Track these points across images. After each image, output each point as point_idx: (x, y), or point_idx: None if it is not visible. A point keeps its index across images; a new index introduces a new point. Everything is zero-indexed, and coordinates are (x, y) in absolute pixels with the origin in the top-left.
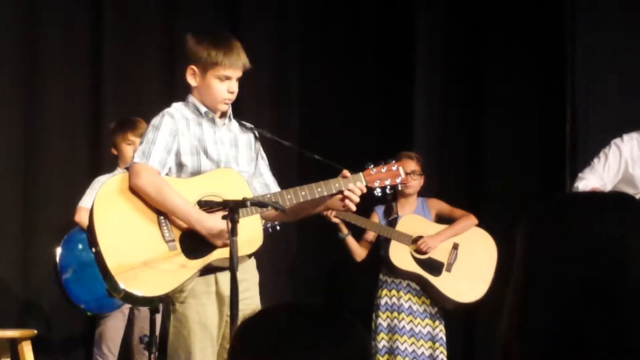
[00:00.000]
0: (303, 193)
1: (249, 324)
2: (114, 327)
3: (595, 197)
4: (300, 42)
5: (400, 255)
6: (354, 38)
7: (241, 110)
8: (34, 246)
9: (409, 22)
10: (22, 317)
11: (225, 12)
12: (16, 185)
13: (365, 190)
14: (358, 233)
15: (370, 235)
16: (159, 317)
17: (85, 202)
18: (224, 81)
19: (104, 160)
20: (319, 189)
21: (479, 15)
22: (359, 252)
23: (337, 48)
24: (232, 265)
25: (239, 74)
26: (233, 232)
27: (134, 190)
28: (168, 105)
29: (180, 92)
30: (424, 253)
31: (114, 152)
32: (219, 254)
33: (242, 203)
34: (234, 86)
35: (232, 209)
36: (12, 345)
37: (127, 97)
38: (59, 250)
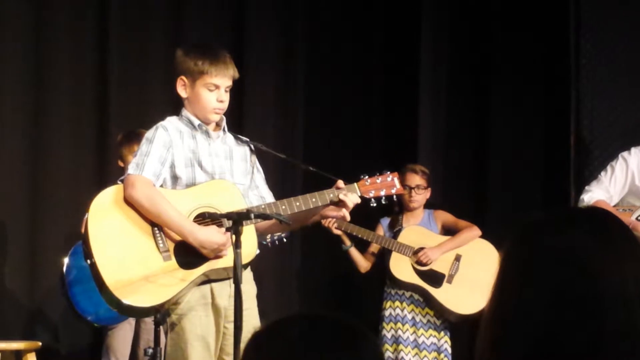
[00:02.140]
0: (297, 203)
1: (262, 336)
2: (121, 339)
3: (566, 213)
4: (305, 51)
5: (401, 267)
6: (360, 47)
7: (246, 120)
8: (41, 257)
9: (414, 35)
10: (29, 328)
11: (230, 26)
12: (24, 197)
13: (359, 201)
14: (363, 245)
15: (375, 247)
16: (163, 330)
17: None
18: (212, 90)
19: (111, 171)
20: (313, 200)
21: (484, 26)
22: (363, 263)
23: (343, 56)
24: (236, 278)
25: (227, 83)
26: (237, 244)
27: (129, 202)
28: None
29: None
30: (425, 264)
31: (121, 164)
32: (214, 265)
33: (245, 215)
34: (223, 95)
35: (236, 221)
36: (17, 357)
37: (133, 109)
38: (65, 262)
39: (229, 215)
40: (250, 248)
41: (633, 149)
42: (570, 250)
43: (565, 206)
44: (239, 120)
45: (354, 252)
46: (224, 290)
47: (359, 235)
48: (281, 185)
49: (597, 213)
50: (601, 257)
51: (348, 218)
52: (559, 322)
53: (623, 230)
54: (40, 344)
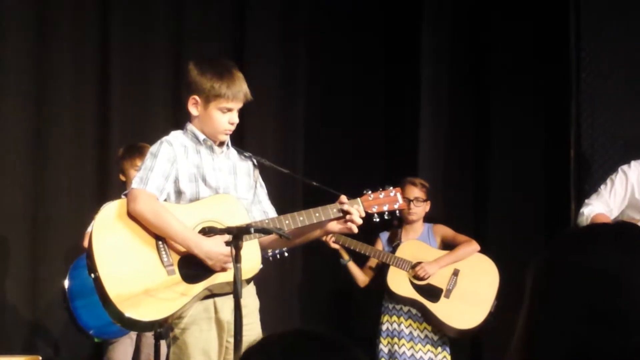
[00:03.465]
0: (301, 218)
1: (250, 353)
2: (121, 353)
3: (594, 228)
4: (306, 65)
5: (398, 281)
6: (360, 58)
7: (246, 132)
8: (43, 271)
9: (416, 42)
10: (30, 342)
11: (231, 37)
12: (26, 210)
13: (363, 215)
14: (363, 259)
15: (373, 261)
16: (164, 344)
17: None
18: (225, 113)
19: (112, 186)
20: (317, 214)
21: (484, 40)
22: (362, 278)
23: (344, 67)
24: (236, 292)
25: (240, 105)
26: (237, 258)
27: (133, 216)
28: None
29: (187, 119)
30: (423, 279)
31: (122, 178)
32: (218, 279)
33: (245, 229)
34: (235, 117)
35: (236, 236)
36: None
37: (134, 124)
38: (67, 276)
39: (228, 230)
40: (253, 263)
41: (633, 162)
42: (597, 265)
43: (595, 223)
44: (240, 131)
45: (353, 267)
46: (227, 305)
47: (357, 250)
48: (281, 200)
49: (625, 228)
50: (629, 271)
51: (355, 231)
52: (588, 338)
53: None
54: (40, 358)
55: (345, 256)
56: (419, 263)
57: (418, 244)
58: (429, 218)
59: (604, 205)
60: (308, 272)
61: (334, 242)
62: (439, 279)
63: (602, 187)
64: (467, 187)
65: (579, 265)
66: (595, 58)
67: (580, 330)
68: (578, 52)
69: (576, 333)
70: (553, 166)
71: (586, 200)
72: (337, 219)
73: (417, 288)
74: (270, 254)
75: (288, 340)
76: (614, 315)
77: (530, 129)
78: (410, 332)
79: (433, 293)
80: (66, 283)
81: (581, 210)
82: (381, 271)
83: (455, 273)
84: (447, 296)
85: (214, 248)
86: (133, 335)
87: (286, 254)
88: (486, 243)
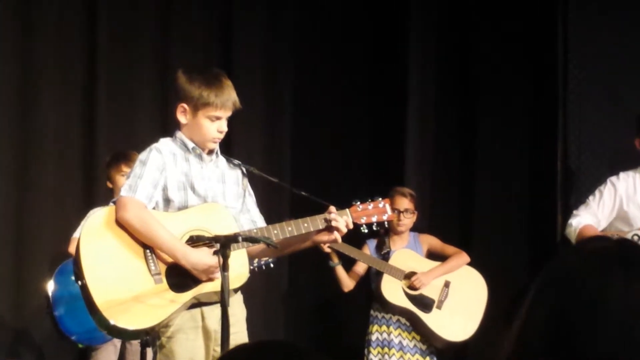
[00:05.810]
0: (289, 228)
1: None
2: None
3: (594, 247)
4: (294, 75)
5: (392, 290)
6: (348, 68)
7: (233, 141)
8: (27, 277)
9: (402, 54)
10: (14, 349)
11: (218, 44)
12: (10, 216)
13: (351, 226)
14: (348, 264)
15: (360, 268)
16: (150, 352)
17: (79, 234)
18: (214, 121)
19: (98, 191)
20: (305, 225)
21: (472, 51)
22: (347, 282)
23: (331, 80)
24: (223, 301)
25: (229, 113)
26: (224, 267)
27: (121, 224)
28: None
29: (174, 127)
30: (416, 289)
31: (109, 185)
32: (206, 288)
33: (233, 238)
34: (224, 125)
35: (224, 245)
36: None
37: (121, 130)
38: (51, 282)
39: (216, 239)
40: (241, 272)
41: (622, 174)
42: (568, 272)
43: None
44: (227, 139)
45: (340, 271)
46: (214, 313)
47: (351, 255)
48: (269, 209)
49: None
50: (602, 279)
51: (339, 241)
52: (559, 345)
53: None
54: None
55: (335, 259)
56: (413, 273)
57: (410, 254)
58: (413, 227)
59: (592, 216)
60: (295, 281)
61: (328, 246)
62: (430, 290)
63: (591, 198)
64: (453, 198)
65: (550, 272)
66: (582, 71)
67: (550, 340)
68: (565, 65)
69: (547, 339)
70: (540, 178)
71: (574, 212)
72: (325, 229)
73: (410, 298)
74: (255, 264)
75: (255, 352)
76: (584, 323)
77: (517, 142)
78: (400, 342)
79: (425, 304)
80: (50, 289)
81: (569, 222)
82: (366, 279)
83: (447, 284)
84: (439, 307)
85: (201, 259)
86: (117, 342)
87: (272, 265)
88: (471, 254)
